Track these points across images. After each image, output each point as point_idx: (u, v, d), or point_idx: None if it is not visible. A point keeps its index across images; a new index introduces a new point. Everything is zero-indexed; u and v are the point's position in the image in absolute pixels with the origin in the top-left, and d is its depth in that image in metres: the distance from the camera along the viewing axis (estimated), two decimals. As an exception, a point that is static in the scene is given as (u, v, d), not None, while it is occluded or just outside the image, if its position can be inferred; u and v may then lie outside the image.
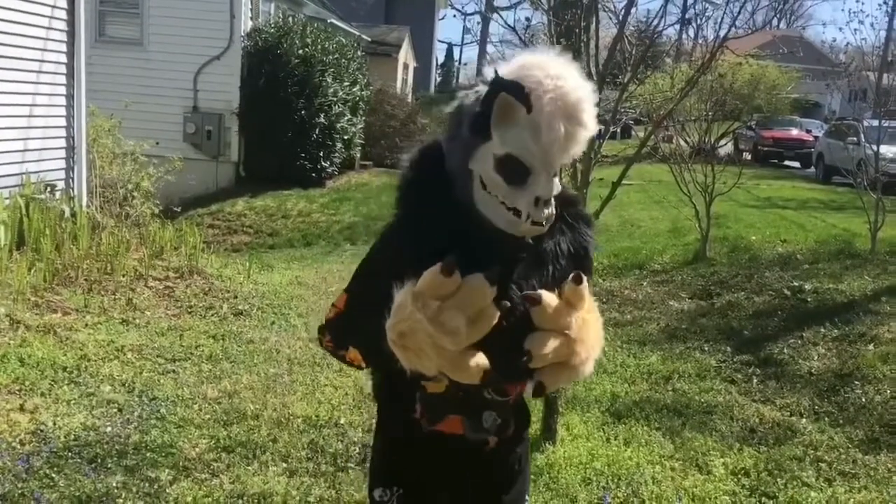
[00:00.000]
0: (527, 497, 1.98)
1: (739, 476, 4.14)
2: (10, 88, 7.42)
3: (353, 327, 1.75)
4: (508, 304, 1.58)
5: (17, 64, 7.49)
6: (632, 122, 9.86)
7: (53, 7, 7.90)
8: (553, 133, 1.55)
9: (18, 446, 3.83)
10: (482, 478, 1.85)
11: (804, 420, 4.93)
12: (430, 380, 1.69)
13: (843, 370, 5.54)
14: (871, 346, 5.81)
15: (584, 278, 1.66)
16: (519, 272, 1.67)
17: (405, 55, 26.56)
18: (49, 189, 7.69)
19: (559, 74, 1.57)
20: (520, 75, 1.57)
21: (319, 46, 14.83)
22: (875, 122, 9.90)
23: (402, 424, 1.80)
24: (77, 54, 8.20)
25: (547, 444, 4.24)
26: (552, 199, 1.63)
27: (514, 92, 1.55)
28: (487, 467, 1.84)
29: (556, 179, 1.66)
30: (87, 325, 5.65)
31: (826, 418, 4.94)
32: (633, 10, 4.33)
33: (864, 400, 5.10)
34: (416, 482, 1.85)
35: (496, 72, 1.59)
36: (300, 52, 14.40)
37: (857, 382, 5.33)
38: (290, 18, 15.62)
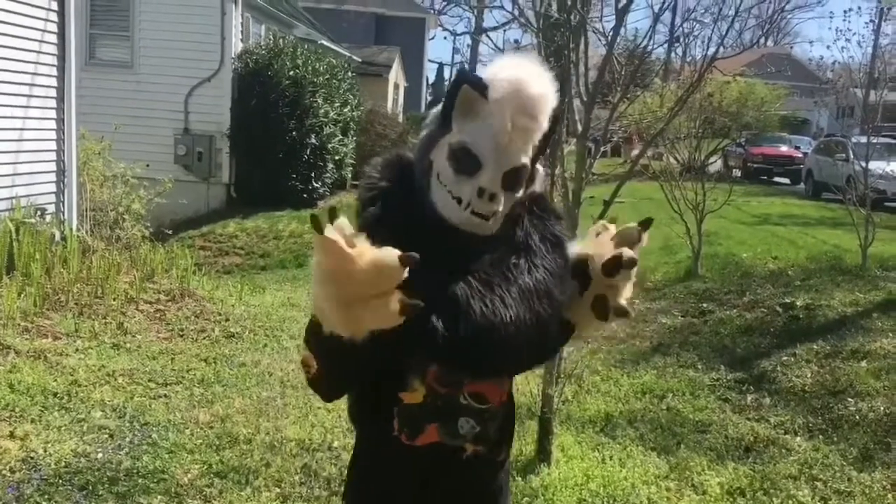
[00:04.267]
0: None
1: (735, 496, 4.13)
2: (1, 112, 7.41)
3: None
4: (421, 304, 1.50)
5: (8, 88, 7.48)
6: (622, 140, 9.90)
7: (43, 31, 7.91)
8: (503, 124, 1.60)
9: (8, 474, 3.79)
10: (460, 493, 1.79)
11: (798, 438, 4.93)
12: (406, 391, 1.68)
13: (837, 387, 5.54)
14: (863, 363, 5.82)
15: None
16: (489, 261, 1.68)
17: (396, 75, 26.68)
18: (39, 213, 7.67)
19: (522, 73, 1.63)
20: (489, 73, 1.65)
21: (310, 67, 14.88)
22: (863, 139, 9.97)
23: (380, 442, 1.75)
24: (67, 77, 8.20)
25: (542, 466, 4.22)
26: (500, 195, 1.64)
27: (473, 83, 1.63)
28: (466, 479, 1.77)
29: (519, 189, 1.70)
30: (77, 349, 5.61)
31: (820, 435, 4.94)
32: (621, 31, 4.35)
33: (857, 417, 5.10)
34: (395, 502, 1.80)
35: (462, 66, 1.64)
36: (291, 73, 14.44)
37: (850, 399, 5.33)
38: (281, 40, 15.66)
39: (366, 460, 1.84)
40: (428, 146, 1.71)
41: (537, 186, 1.80)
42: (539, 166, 1.79)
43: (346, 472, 4.05)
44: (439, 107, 1.73)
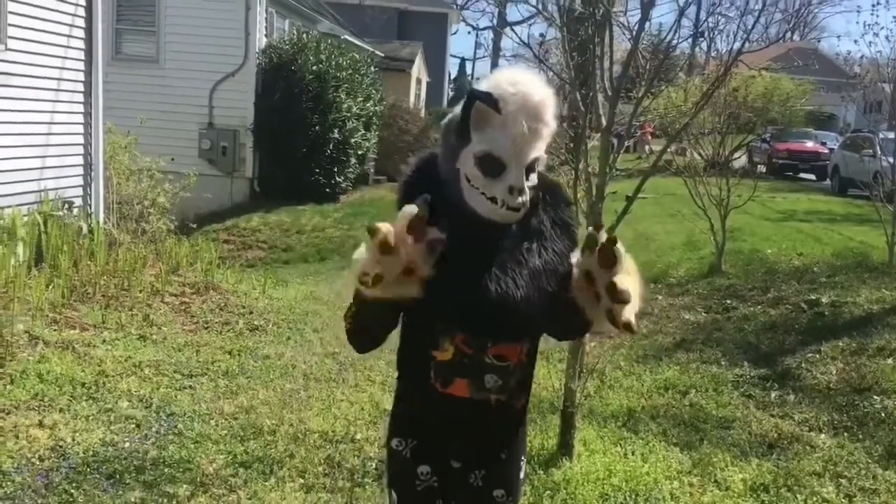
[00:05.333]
0: (523, 458, 2.23)
1: (758, 492, 4.11)
2: (29, 107, 7.51)
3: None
4: (443, 237, 1.83)
5: (36, 83, 7.59)
6: (649, 135, 9.84)
7: (71, 26, 8.01)
8: (518, 128, 1.88)
9: (37, 462, 3.86)
10: (483, 432, 2.09)
11: (823, 435, 4.89)
12: (439, 349, 1.99)
13: (862, 384, 5.49)
14: (889, 360, 5.76)
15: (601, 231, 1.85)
16: (506, 247, 1.97)
17: (418, 70, 26.68)
18: (67, 206, 7.77)
19: (523, 82, 1.90)
20: (492, 87, 1.90)
21: (333, 62, 14.93)
22: (891, 134, 9.85)
23: (419, 390, 2.06)
24: (94, 72, 8.31)
25: (564, 460, 4.22)
26: (525, 188, 1.94)
27: (485, 100, 1.89)
28: (489, 422, 2.07)
29: (534, 175, 1.97)
30: (104, 340, 5.69)
31: (845, 433, 4.90)
32: (646, 25, 4.33)
33: (883, 414, 5.05)
34: (428, 435, 2.11)
35: (471, 86, 1.97)
36: (314, 68, 14.49)
37: (875, 397, 5.28)
38: (305, 35, 15.72)
39: (407, 399, 2.16)
40: (452, 157, 1.98)
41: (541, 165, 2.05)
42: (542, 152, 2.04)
43: (367, 464, 4.11)
44: (458, 109, 1.96)
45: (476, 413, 2.04)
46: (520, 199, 1.92)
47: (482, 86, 1.94)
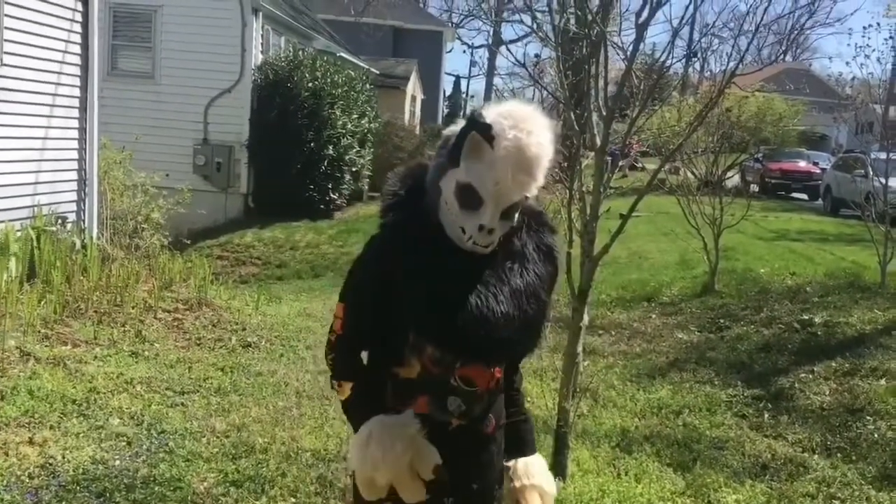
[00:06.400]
0: (498, 489, 2.13)
1: (752, 513, 4.09)
2: (24, 122, 7.51)
3: (347, 362, 2.04)
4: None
5: (32, 98, 7.59)
6: (639, 154, 9.89)
7: (67, 42, 8.03)
8: (504, 176, 1.84)
9: (27, 480, 3.82)
10: (449, 460, 1.96)
11: (816, 456, 4.88)
12: (403, 366, 1.96)
13: (855, 405, 5.49)
14: (882, 381, 5.77)
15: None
16: (488, 265, 1.95)
17: (413, 87, 26.78)
18: (60, 221, 7.75)
19: (526, 129, 1.84)
20: (495, 120, 1.85)
21: (329, 79, 14.98)
22: (882, 155, 9.90)
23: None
24: (90, 87, 8.32)
25: (557, 480, 4.20)
26: (497, 229, 1.90)
27: (482, 132, 1.84)
28: (450, 447, 1.97)
29: (513, 217, 1.93)
30: (96, 357, 5.66)
31: (838, 454, 4.90)
32: (640, 45, 4.35)
33: (876, 436, 5.05)
34: None
35: (476, 112, 1.89)
36: (310, 84, 14.54)
37: (868, 417, 5.28)
38: (300, 52, 15.78)
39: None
40: (439, 174, 1.94)
41: (534, 202, 2.06)
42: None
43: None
44: (455, 128, 1.93)
45: (438, 436, 1.95)
46: (490, 239, 1.90)
47: (488, 114, 1.88)
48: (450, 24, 38.13)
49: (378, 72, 22.55)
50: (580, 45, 4.35)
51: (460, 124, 1.93)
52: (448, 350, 1.93)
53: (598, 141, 4.21)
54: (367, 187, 18.37)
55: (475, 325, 1.88)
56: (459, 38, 36.53)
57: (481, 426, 2.04)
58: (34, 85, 7.61)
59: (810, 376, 6.05)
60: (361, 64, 20.89)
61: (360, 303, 1.98)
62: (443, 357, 1.94)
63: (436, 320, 1.88)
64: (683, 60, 7.48)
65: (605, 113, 4.22)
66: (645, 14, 4.07)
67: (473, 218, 1.88)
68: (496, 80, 37.96)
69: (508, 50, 6.85)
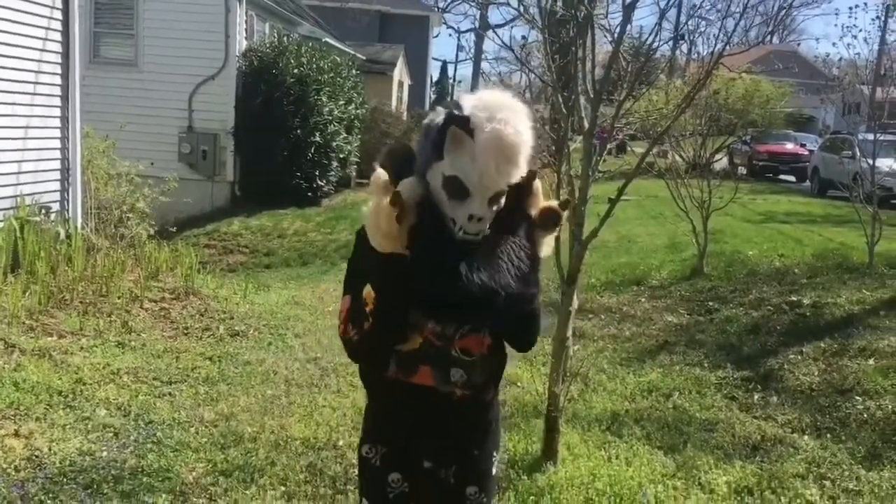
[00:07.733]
0: (495, 454, 2.26)
1: (742, 494, 4.10)
2: (5, 111, 7.40)
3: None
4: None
5: (12, 86, 7.48)
6: (627, 138, 9.87)
7: (48, 29, 7.91)
8: (486, 165, 1.92)
9: (13, 472, 3.78)
10: (452, 426, 2.14)
11: (806, 436, 4.90)
12: (406, 342, 2.07)
13: (844, 385, 5.51)
14: (871, 361, 5.79)
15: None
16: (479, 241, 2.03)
17: (400, 73, 26.64)
18: (44, 211, 7.66)
19: (503, 119, 1.92)
20: (472, 112, 1.94)
21: (314, 65, 14.86)
22: (870, 136, 9.92)
23: (384, 389, 2.15)
24: (72, 76, 8.20)
25: (548, 465, 4.20)
26: (486, 217, 2.00)
27: (460, 125, 1.94)
28: (456, 416, 2.13)
29: (500, 202, 2.02)
30: (82, 347, 5.61)
31: (828, 434, 4.91)
32: (627, 28, 4.31)
33: (865, 415, 5.06)
34: (397, 438, 2.17)
35: (454, 103, 1.99)
36: (295, 71, 14.42)
37: (857, 397, 5.30)
38: (285, 38, 15.65)
39: (375, 404, 2.25)
40: (425, 167, 2.02)
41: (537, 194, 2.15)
42: (537, 181, 2.13)
43: (350, 470, 4.07)
44: (434, 116, 2.02)
45: (443, 406, 2.10)
46: (480, 227, 2.00)
47: (465, 104, 1.97)
48: (436, 9, 37.86)
49: (364, 57, 22.42)
50: (567, 28, 4.31)
51: (439, 113, 2.01)
52: (448, 317, 2.05)
53: (586, 124, 4.18)
54: (354, 174, 18.30)
55: (470, 294, 1.97)
56: (446, 23, 36.28)
57: (482, 395, 2.17)
58: (14, 73, 7.49)
59: (799, 357, 6.07)
60: (347, 50, 20.75)
61: (385, 284, 2.05)
62: (443, 331, 2.07)
63: (434, 287, 1.99)
64: (671, 43, 7.45)
65: (592, 96, 4.19)
66: (632, -5, 4.03)
67: (462, 208, 1.98)
68: (484, 65, 37.89)
69: (496, 33, 6.78)
